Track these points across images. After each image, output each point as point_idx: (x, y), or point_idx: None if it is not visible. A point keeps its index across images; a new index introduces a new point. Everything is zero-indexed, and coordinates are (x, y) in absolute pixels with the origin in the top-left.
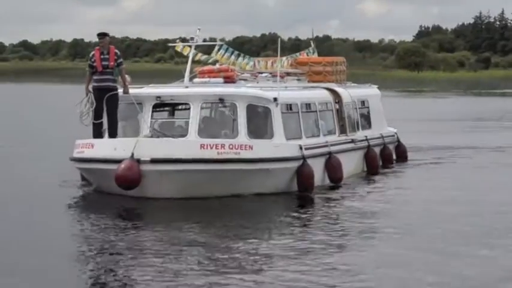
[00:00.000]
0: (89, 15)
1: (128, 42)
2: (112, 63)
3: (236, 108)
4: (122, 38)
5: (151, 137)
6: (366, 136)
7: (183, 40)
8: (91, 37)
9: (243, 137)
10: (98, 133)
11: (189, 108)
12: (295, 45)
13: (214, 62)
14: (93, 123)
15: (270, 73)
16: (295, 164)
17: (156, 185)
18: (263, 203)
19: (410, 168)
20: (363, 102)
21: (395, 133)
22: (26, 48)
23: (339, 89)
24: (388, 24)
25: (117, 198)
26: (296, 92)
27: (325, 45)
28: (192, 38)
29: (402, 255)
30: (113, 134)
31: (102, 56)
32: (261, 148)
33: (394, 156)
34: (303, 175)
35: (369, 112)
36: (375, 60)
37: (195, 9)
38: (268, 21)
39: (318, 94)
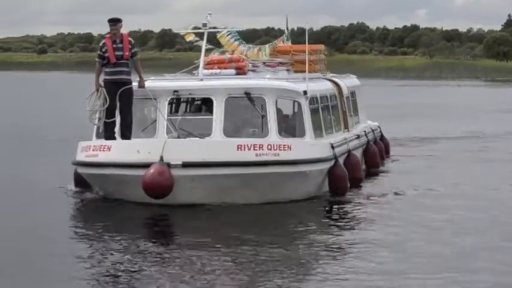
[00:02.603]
0: (177, 5)
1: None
2: (127, 53)
3: (265, 103)
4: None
5: (178, 137)
6: (364, 131)
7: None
8: (180, 27)
9: (274, 135)
10: (110, 133)
11: (210, 104)
12: (382, 35)
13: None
14: (105, 122)
15: (264, 62)
16: (328, 165)
17: (187, 191)
18: (297, 208)
19: (409, 163)
20: (352, 94)
21: (379, 126)
22: None
23: (339, 81)
24: (476, 13)
25: (140, 207)
26: (313, 84)
27: (413, 34)
28: (204, 25)
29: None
30: (126, 135)
31: (114, 46)
32: (299, 148)
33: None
34: (337, 177)
35: (356, 105)
36: (463, 50)
37: None
38: (356, 11)
39: (327, 86)
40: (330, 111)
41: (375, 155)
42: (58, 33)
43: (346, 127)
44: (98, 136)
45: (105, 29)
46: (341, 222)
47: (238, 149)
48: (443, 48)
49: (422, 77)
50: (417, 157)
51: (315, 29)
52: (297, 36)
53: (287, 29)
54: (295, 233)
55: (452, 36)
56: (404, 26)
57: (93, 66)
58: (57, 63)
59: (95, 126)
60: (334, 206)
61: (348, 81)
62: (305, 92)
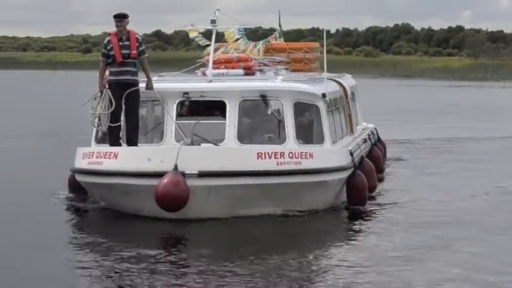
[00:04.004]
0: (222, 4)
1: (262, 31)
2: (134, 51)
3: (282, 107)
4: (255, 28)
5: (192, 143)
6: (368, 135)
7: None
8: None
9: (292, 142)
10: (115, 139)
11: (222, 107)
12: (427, 36)
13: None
14: (110, 127)
15: (264, 63)
16: (347, 174)
17: (203, 203)
18: (317, 219)
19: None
20: (352, 95)
21: (375, 128)
22: (159, 39)
23: (342, 81)
24: None
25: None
26: (326, 86)
27: (458, 35)
28: (212, 21)
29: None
30: (132, 140)
31: (120, 43)
32: (321, 156)
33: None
34: (356, 186)
35: (356, 106)
36: (509, 51)
37: None
38: (401, 12)
39: (335, 88)
40: (340, 114)
41: (379, 159)
42: (103, 33)
43: (352, 131)
44: (98, 141)
45: (148, 28)
46: (363, 235)
47: (258, 157)
48: (488, 50)
49: (467, 78)
50: (415, 159)
51: (360, 30)
52: (342, 36)
53: (279, 25)
54: (316, 247)
55: (497, 38)
56: (449, 27)
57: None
58: None
59: (94, 131)
60: (355, 218)
61: (348, 82)
62: (324, 95)
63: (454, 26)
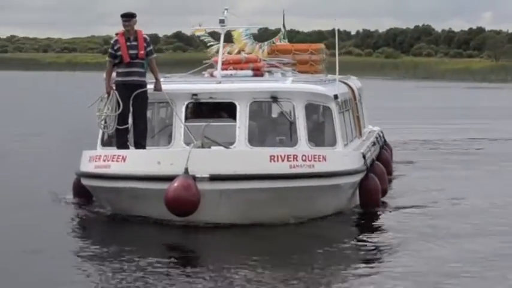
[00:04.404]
0: (242, 6)
1: (272, 32)
2: (142, 52)
3: (293, 108)
4: (275, 30)
5: (202, 146)
6: (376, 137)
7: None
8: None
9: (304, 144)
10: (123, 142)
11: (232, 109)
12: (448, 37)
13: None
14: (117, 129)
15: (273, 65)
16: (360, 177)
17: (214, 208)
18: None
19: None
20: (359, 97)
21: (381, 131)
22: (179, 40)
23: (351, 83)
24: None
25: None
26: (337, 87)
27: (478, 37)
28: (221, 21)
29: None
30: (141, 143)
31: (128, 43)
32: (334, 159)
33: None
34: (370, 190)
35: (362, 108)
36: None
37: (347, 0)
38: (421, 13)
39: (345, 89)
40: (349, 116)
41: (388, 162)
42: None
43: (360, 133)
44: (104, 144)
45: (169, 29)
46: (379, 241)
47: (271, 160)
48: (509, 51)
49: (487, 79)
50: (423, 162)
51: (380, 31)
52: (363, 38)
53: (284, 26)
54: (329, 255)
55: None
56: (470, 29)
57: (163, 67)
58: None
59: (100, 133)
60: (369, 222)
61: (355, 83)
62: (336, 97)
63: (474, 27)
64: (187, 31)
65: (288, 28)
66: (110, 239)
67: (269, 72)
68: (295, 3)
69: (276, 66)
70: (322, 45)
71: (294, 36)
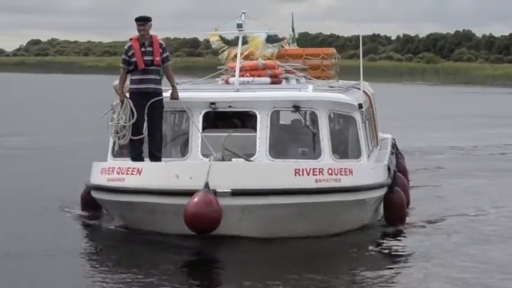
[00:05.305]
0: (281, 11)
1: (322, 38)
2: (157, 58)
3: (317, 118)
4: (315, 34)
5: (223, 159)
6: (392, 147)
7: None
8: (284, 33)
9: (328, 157)
10: (138, 153)
11: (251, 118)
12: (488, 43)
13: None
14: (131, 140)
15: (289, 71)
16: (385, 191)
17: (235, 224)
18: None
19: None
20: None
21: (394, 139)
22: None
23: (367, 90)
24: None
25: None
26: (360, 96)
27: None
28: (239, 26)
29: None
30: (156, 155)
31: (143, 49)
32: (360, 173)
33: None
34: (395, 204)
35: (375, 116)
36: None
37: (388, 5)
38: (462, 18)
39: (364, 97)
40: (369, 125)
41: (405, 171)
42: (164, 38)
43: (377, 142)
44: (115, 155)
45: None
46: (407, 258)
47: (296, 174)
48: None
49: None
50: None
51: (421, 36)
52: (403, 43)
53: (293, 30)
54: (354, 262)
55: None
56: (511, 34)
57: (200, 72)
58: None
59: (111, 144)
60: (394, 237)
61: (368, 89)
62: (360, 106)
63: None
64: (226, 36)
65: (327, 33)
66: (119, 253)
67: (286, 79)
68: (331, 7)
69: (292, 72)
70: (333, 50)
71: (334, 40)
